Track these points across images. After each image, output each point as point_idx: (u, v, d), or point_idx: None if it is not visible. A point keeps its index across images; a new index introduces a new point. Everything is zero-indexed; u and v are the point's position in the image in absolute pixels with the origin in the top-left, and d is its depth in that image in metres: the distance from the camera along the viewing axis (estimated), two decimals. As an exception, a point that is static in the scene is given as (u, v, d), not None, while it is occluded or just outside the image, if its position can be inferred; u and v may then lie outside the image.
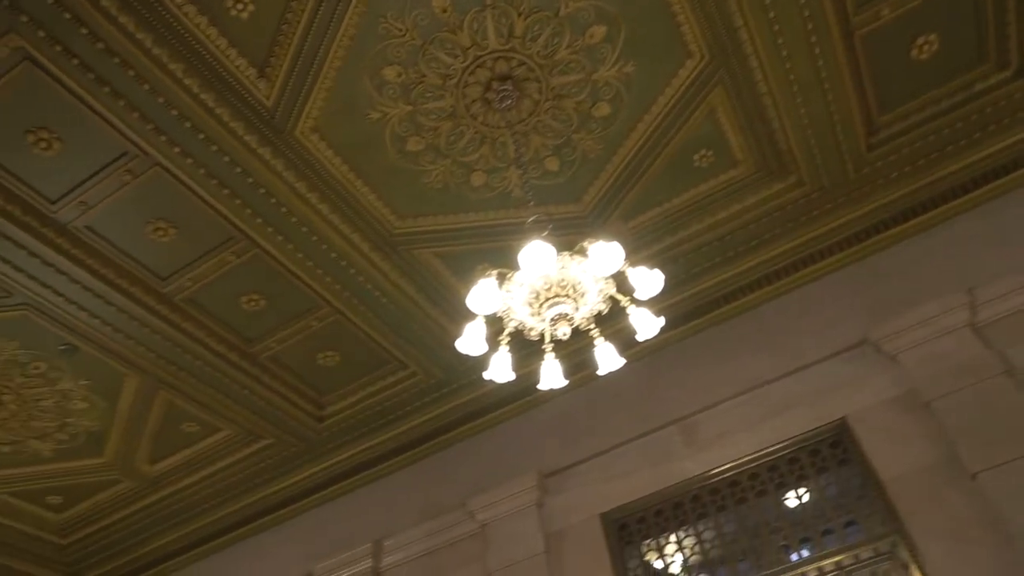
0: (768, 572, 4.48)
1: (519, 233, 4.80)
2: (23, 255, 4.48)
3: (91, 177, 4.22)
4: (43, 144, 4.03)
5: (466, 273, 5.14)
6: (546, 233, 3.09)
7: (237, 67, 3.84)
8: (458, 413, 6.07)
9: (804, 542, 4.61)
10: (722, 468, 4.89)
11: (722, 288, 5.45)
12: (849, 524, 4.50)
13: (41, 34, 3.49)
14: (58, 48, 3.56)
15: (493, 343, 3.13)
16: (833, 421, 4.68)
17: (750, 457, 4.84)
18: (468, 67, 4.03)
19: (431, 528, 5.72)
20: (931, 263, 4.94)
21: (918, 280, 4.88)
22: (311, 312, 5.31)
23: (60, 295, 4.75)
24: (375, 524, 6.06)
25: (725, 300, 5.46)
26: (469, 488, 5.69)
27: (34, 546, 7.02)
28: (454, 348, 5.63)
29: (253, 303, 5.17)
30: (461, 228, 4.93)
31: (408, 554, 5.75)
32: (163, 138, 4.02)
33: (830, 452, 4.71)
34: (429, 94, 4.13)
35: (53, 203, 4.32)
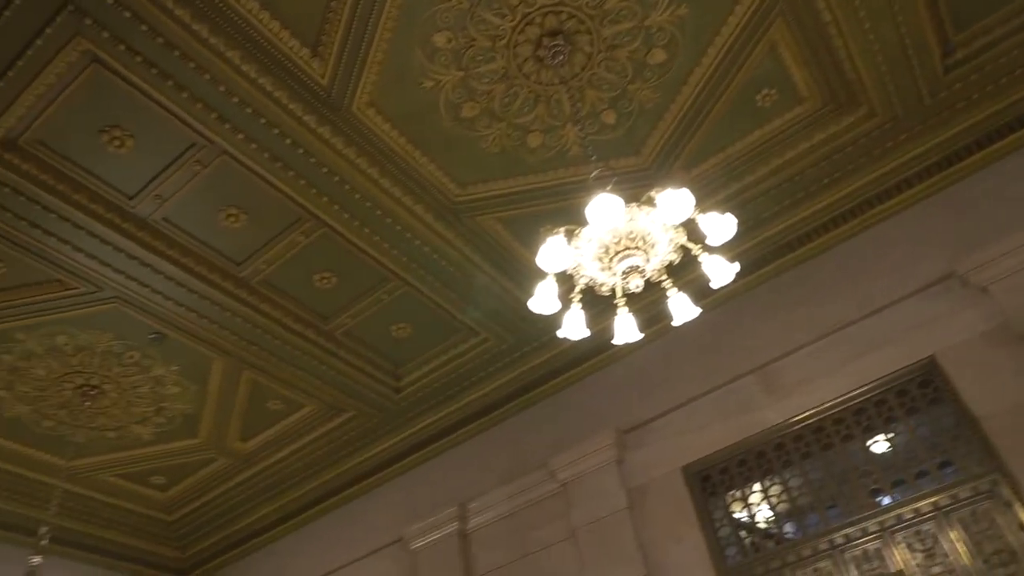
0: (860, 516, 4.39)
1: (581, 191, 4.76)
2: (109, 250, 4.70)
3: (164, 170, 4.38)
4: (116, 142, 4.20)
5: (530, 236, 5.13)
6: (609, 187, 3.05)
7: (291, 48, 3.89)
8: (534, 375, 6.13)
9: (897, 485, 4.49)
10: (804, 415, 4.79)
11: (794, 231, 5.28)
12: (944, 465, 4.35)
13: (105, 35, 3.61)
14: (122, 47, 3.68)
15: (565, 301, 3.12)
16: (921, 360, 4.51)
17: (834, 402, 4.72)
18: (517, 26, 3.97)
19: (514, 489, 5.82)
20: (1020, 187, 4.64)
21: (1006, 207, 4.60)
22: (381, 286, 5.41)
23: (146, 286, 4.98)
24: (459, 488, 6.21)
25: (799, 243, 5.29)
26: (549, 448, 5.76)
27: (144, 523, 7.50)
28: (523, 312, 5.70)
29: (325, 281, 5.30)
30: (522, 191, 4.91)
31: (493, 515, 5.88)
32: (227, 126, 4.13)
33: (919, 392, 4.54)
34: (480, 57, 4.09)
35: (131, 199, 4.51)
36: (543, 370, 6.08)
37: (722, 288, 3.32)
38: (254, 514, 7.45)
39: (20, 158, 4.20)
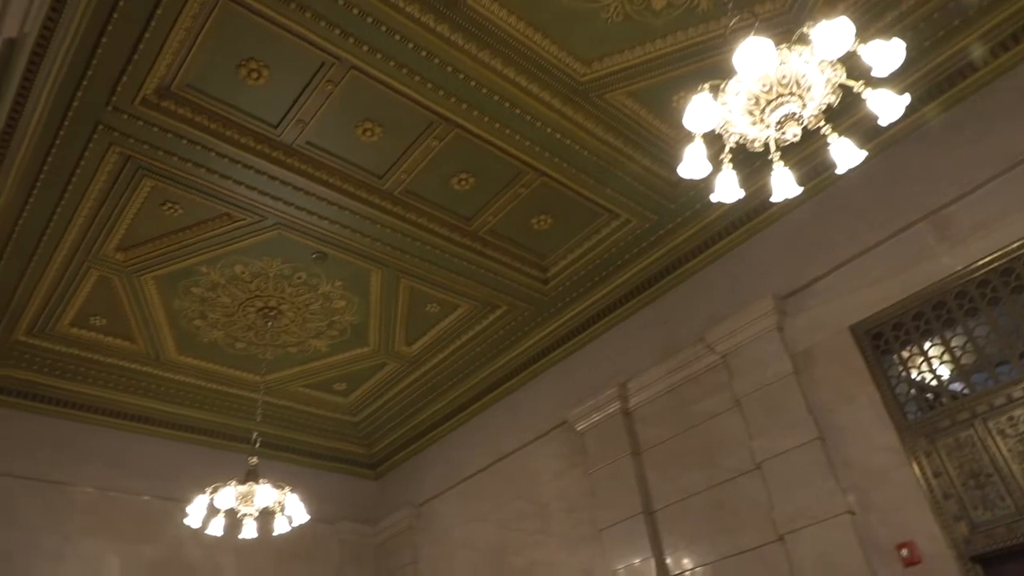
0: (1061, 360, 4.03)
1: (715, 49, 4.47)
2: (264, 180, 5.02)
3: (300, 95, 4.55)
4: (254, 75, 4.39)
5: (664, 107, 4.88)
6: (752, 34, 2.80)
7: (399, -52, 3.82)
8: (682, 250, 6.00)
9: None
10: (987, 259, 4.38)
11: (964, 55, 4.65)
12: None
13: (227, -36, 3.70)
14: (246, -24, 3.77)
15: (715, 163, 2.97)
16: None
17: (1022, 242, 4.27)
18: None
19: (671, 365, 5.85)
20: None
21: None
22: (517, 180, 5.42)
23: (301, 209, 5.31)
24: (618, 368, 6.33)
25: (971, 68, 4.66)
26: (705, 321, 5.70)
27: (334, 426, 8.33)
28: (664, 189, 5.53)
29: (463, 182, 5.39)
30: (651, 59, 4.64)
31: (653, 392, 5.97)
32: (351, 40, 4.18)
33: None
34: (593, -82, 3.82)
35: (276, 127, 4.75)
36: (692, 243, 5.92)
37: (887, 128, 3.02)
38: (427, 411, 8.05)
39: (175, 104, 4.51)
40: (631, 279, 6.30)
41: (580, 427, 6.40)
